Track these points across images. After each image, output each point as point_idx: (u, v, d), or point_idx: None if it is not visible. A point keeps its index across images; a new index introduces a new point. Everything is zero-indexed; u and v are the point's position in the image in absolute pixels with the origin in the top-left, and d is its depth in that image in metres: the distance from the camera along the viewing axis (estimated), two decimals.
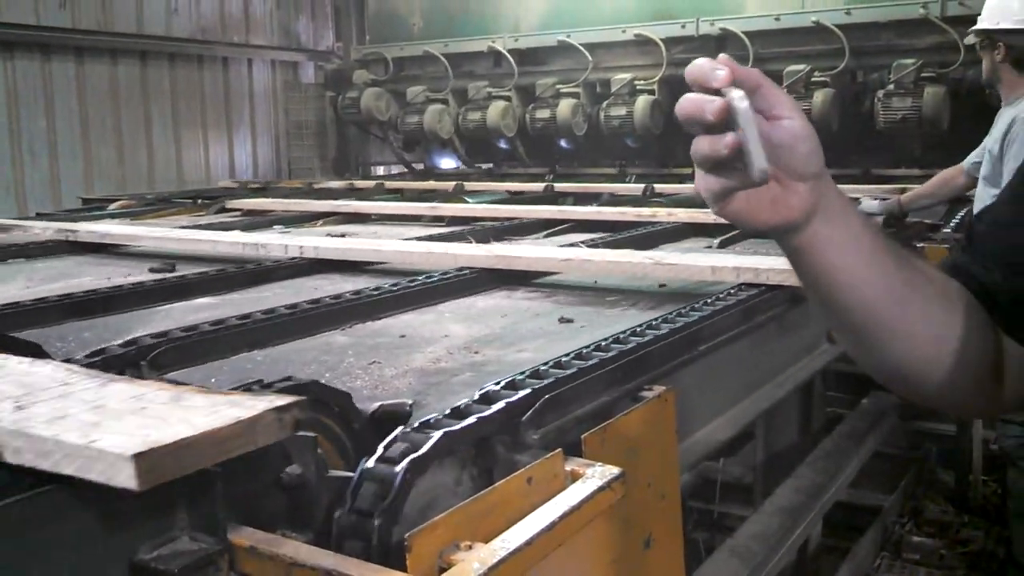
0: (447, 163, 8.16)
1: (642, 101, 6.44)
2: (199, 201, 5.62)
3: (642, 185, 5.54)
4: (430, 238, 3.63)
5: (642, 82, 6.53)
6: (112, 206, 5.39)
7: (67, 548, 1.14)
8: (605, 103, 6.66)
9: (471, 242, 3.42)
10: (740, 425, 2.21)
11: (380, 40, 7.84)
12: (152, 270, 3.09)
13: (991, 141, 3.62)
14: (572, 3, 6.94)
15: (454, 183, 6.06)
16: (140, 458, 1.05)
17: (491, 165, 7.86)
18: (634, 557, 1.64)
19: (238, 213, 5.17)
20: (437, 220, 4.67)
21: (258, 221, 4.67)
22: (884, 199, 4.02)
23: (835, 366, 3.13)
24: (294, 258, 3.12)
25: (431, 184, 6.40)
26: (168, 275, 2.90)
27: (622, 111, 6.53)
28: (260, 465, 1.33)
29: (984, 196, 3.57)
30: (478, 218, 4.45)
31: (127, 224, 4.39)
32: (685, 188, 5.42)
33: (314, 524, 1.35)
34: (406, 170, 8.13)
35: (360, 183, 6.63)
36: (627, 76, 6.56)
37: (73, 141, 6.63)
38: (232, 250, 3.36)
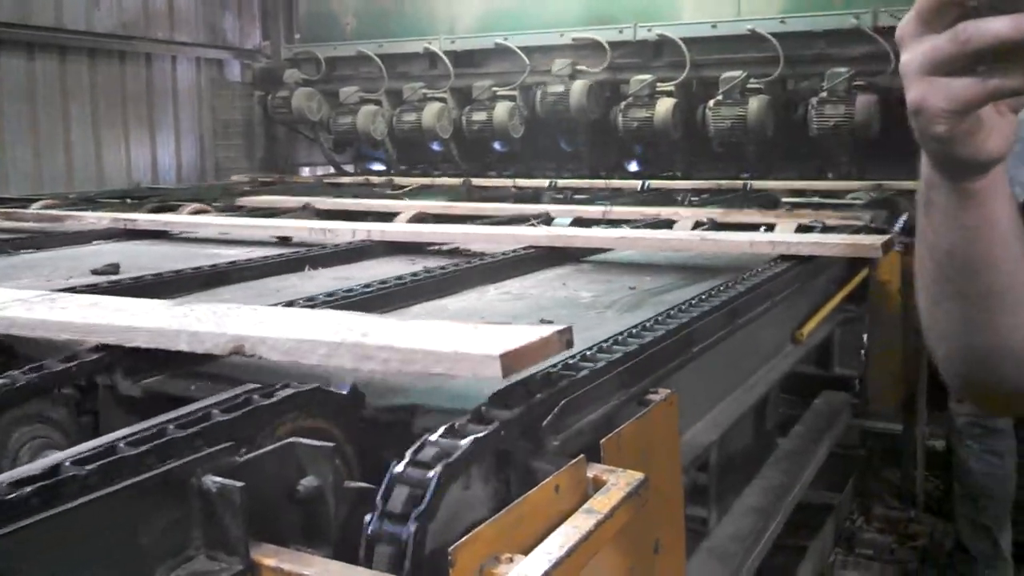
0: (378, 165, 8.04)
1: (579, 83, 6.41)
2: (127, 201, 5.44)
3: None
4: None
5: (583, 67, 6.50)
6: (34, 206, 5.15)
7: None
8: (542, 87, 6.58)
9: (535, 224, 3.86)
10: (726, 425, 2.20)
11: (312, 39, 7.68)
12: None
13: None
14: (509, 6, 6.90)
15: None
16: (504, 356, 1.45)
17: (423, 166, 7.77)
18: (646, 563, 1.60)
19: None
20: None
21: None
22: None
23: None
24: (361, 241, 3.49)
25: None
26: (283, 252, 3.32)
27: (559, 88, 6.48)
28: (272, 476, 1.26)
29: None
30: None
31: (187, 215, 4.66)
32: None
33: (330, 537, 1.28)
34: (333, 171, 7.99)
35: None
36: (567, 60, 6.51)
37: None
38: (298, 235, 3.77)
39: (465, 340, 1.54)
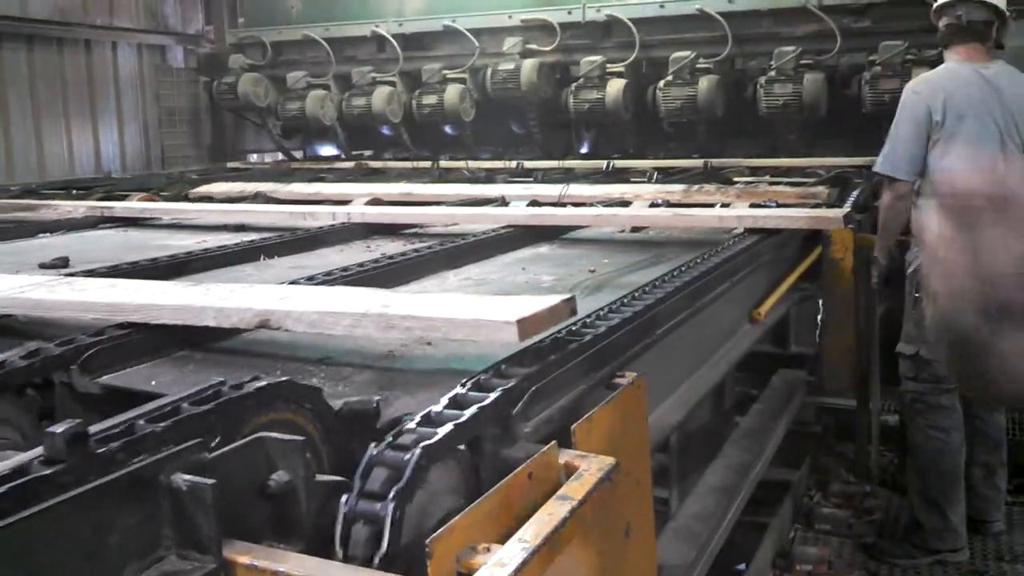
0: (327, 151, 7.94)
1: (530, 62, 6.36)
2: (73, 192, 5.32)
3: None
4: None
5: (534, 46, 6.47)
6: None
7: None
8: (492, 65, 6.54)
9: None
10: (690, 406, 2.21)
11: (256, 23, 7.53)
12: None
13: None
14: None
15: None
16: (521, 322, 1.59)
17: (371, 152, 7.69)
18: (617, 547, 1.61)
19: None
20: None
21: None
22: None
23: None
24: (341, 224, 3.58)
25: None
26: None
27: (510, 66, 6.43)
28: (243, 472, 1.23)
29: None
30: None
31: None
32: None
33: (303, 532, 1.26)
34: (283, 157, 7.88)
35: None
36: (517, 39, 6.47)
37: None
38: (280, 220, 3.85)
39: (482, 309, 1.69)
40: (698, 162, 5.93)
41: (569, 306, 1.70)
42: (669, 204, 3.78)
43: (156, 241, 3.56)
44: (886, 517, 3.94)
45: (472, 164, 6.52)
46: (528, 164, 6.36)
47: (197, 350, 1.91)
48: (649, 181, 5.05)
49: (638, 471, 1.71)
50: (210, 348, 1.93)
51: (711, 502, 2.64)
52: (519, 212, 3.66)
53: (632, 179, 5.31)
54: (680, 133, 6.41)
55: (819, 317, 3.66)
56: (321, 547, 1.22)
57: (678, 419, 2.22)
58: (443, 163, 6.67)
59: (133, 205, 4.52)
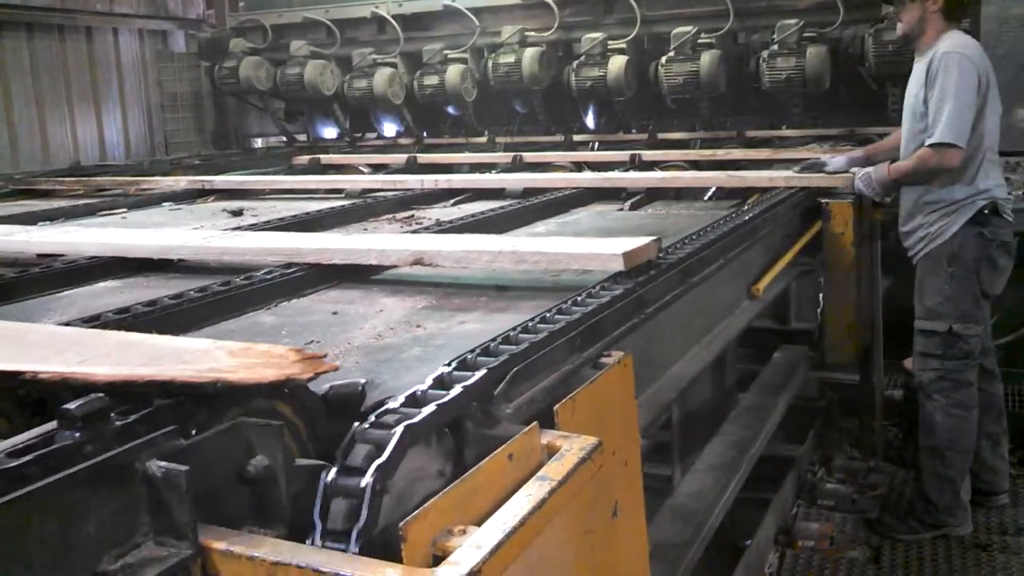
0: (330, 133, 7.91)
1: (531, 51, 6.34)
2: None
3: (511, 154, 5.76)
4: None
5: (532, 35, 6.46)
6: None
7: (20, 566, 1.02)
8: (494, 53, 6.52)
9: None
10: (684, 384, 2.20)
11: (256, 7, 7.48)
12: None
13: (911, 97, 3.65)
14: None
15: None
16: (625, 254, 2.07)
17: (370, 135, 7.65)
18: (604, 527, 1.60)
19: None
20: (334, 192, 4.57)
21: None
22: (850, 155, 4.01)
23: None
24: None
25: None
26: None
27: (511, 58, 6.41)
28: (221, 458, 1.23)
29: None
30: (374, 190, 4.36)
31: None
32: (555, 157, 5.70)
33: (283, 517, 1.26)
34: (285, 140, 7.86)
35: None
36: (518, 26, 6.45)
37: None
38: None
39: (593, 246, 2.20)
40: (732, 132, 6.14)
41: (656, 245, 2.22)
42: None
43: (281, 205, 4.17)
44: (889, 492, 3.93)
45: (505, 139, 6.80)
46: (577, 138, 6.62)
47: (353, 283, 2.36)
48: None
49: (626, 451, 1.70)
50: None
51: (709, 480, 2.64)
52: (627, 176, 4.37)
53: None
54: (683, 109, 6.37)
55: (820, 294, 3.64)
56: (303, 530, 1.22)
57: (672, 396, 2.21)
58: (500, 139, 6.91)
59: (231, 178, 5.07)
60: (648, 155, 5.28)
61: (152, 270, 2.64)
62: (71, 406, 1.13)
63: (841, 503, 3.82)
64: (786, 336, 3.80)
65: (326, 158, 6.50)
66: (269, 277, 2.26)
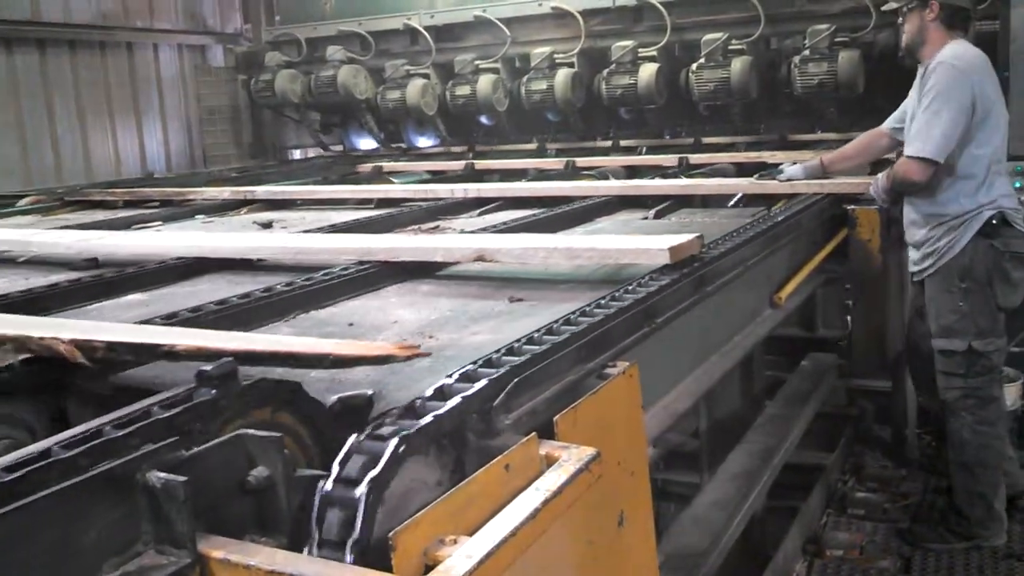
0: (366, 144, 7.99)
1: (562, 74, 6.40)
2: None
3: (564, 159, 5.64)
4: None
5: (561, 55, 6.49)
6: (21, 202, 5.17)
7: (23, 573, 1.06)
8: (525, 78, 6.60)
9: None
10: (697, 394, 2.20)
11: (291, 20, 7.60)
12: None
13: (911, 104, 3.60)
14: None
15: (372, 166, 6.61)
16: (672, 249, 2.24)
17: (403, 145, 7.71)
18: (609, 536, 1.61)
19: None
20: (364, 203, 4.62)
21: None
22: (806, 163, 4.01)
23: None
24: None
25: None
26: None
27: (543, 85, 6.47)
28: (222, 469, 1.26)
29: None
30: (407, 200, 4.41)
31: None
32: (606, 161, 5.73)
33: (284, 526, 1.28)
34: (324, 152, 7.96)
35: None
36: (547, 50, 6.50)
37: None
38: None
39: (640, 242, 2.38)
40: (774, 136, 6.15)
41: (700, 241, 2.37)
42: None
43: (311, 216, 4.28)
44: (921, 501, 3.87)
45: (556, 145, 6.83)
46: (624, 143, 6.65)
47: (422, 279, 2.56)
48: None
49: (632, 461, 1.71)
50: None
51: (731, 489, 2.62)
52: (681, 182, 4.35)
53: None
54: (715, 116, 6.35)
55: (848, 301, 3.61)
56: (304, 540, 1.24)
57: (687, 406, 2.21)
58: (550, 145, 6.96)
59: (274, 188, 5.17)
60: (695, 158, 5.34)
61: (232, 269, 2.90)
62: (208, 367, 1.34)
63: (872, 512, 3.76)
64: (814, 344, 3.76)
65: (388, 166, 6.70)
66: (346, 273, 2.51)
